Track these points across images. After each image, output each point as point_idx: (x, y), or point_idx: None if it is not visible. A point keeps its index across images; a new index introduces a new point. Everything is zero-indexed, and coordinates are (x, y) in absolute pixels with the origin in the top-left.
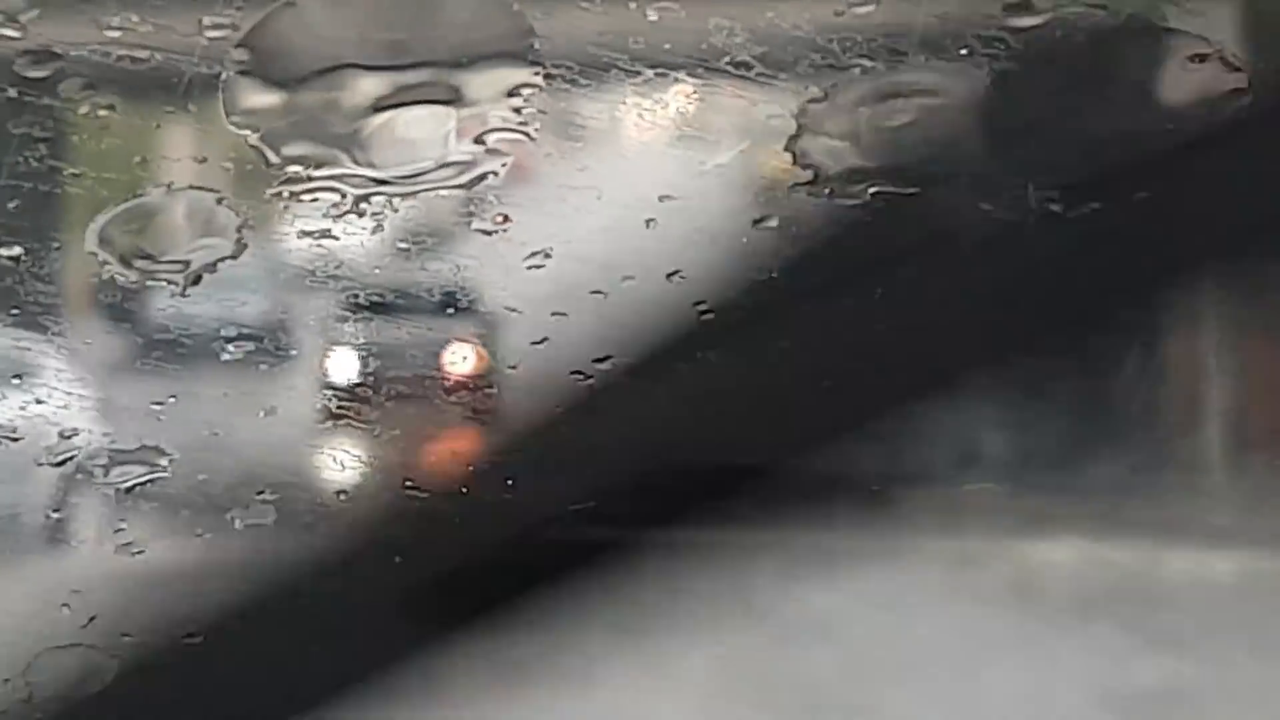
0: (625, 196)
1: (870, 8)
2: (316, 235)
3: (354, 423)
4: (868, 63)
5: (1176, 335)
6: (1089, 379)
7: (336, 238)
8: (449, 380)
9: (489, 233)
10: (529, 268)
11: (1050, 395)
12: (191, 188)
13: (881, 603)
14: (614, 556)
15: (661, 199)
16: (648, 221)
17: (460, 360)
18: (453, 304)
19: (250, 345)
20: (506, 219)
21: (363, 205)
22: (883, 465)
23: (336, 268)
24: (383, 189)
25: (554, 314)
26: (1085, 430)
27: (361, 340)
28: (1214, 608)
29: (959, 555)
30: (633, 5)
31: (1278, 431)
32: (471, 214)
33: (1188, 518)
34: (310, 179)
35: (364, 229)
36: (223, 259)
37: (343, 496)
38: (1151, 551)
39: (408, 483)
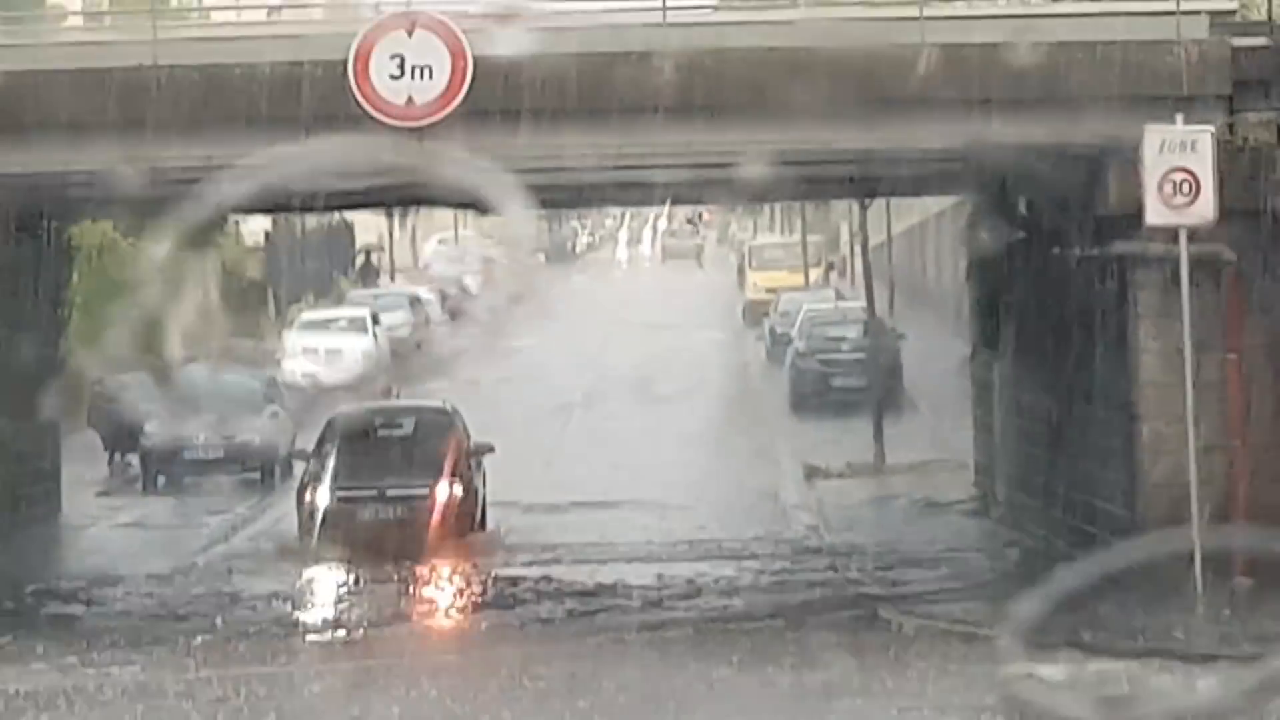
0: (620, 313)
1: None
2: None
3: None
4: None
5: (1157, 455)
6: (1076, 507)
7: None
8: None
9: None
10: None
11: (1038, 523)
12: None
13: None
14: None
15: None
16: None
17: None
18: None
19: (239, 465)
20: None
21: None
22: (881, 593)
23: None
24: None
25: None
26: (1074, 555)
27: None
28: None
29: (951, 675)
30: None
31: (1258, 551)
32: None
33: (1171, 639)
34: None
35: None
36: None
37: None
38: (1137, 670)
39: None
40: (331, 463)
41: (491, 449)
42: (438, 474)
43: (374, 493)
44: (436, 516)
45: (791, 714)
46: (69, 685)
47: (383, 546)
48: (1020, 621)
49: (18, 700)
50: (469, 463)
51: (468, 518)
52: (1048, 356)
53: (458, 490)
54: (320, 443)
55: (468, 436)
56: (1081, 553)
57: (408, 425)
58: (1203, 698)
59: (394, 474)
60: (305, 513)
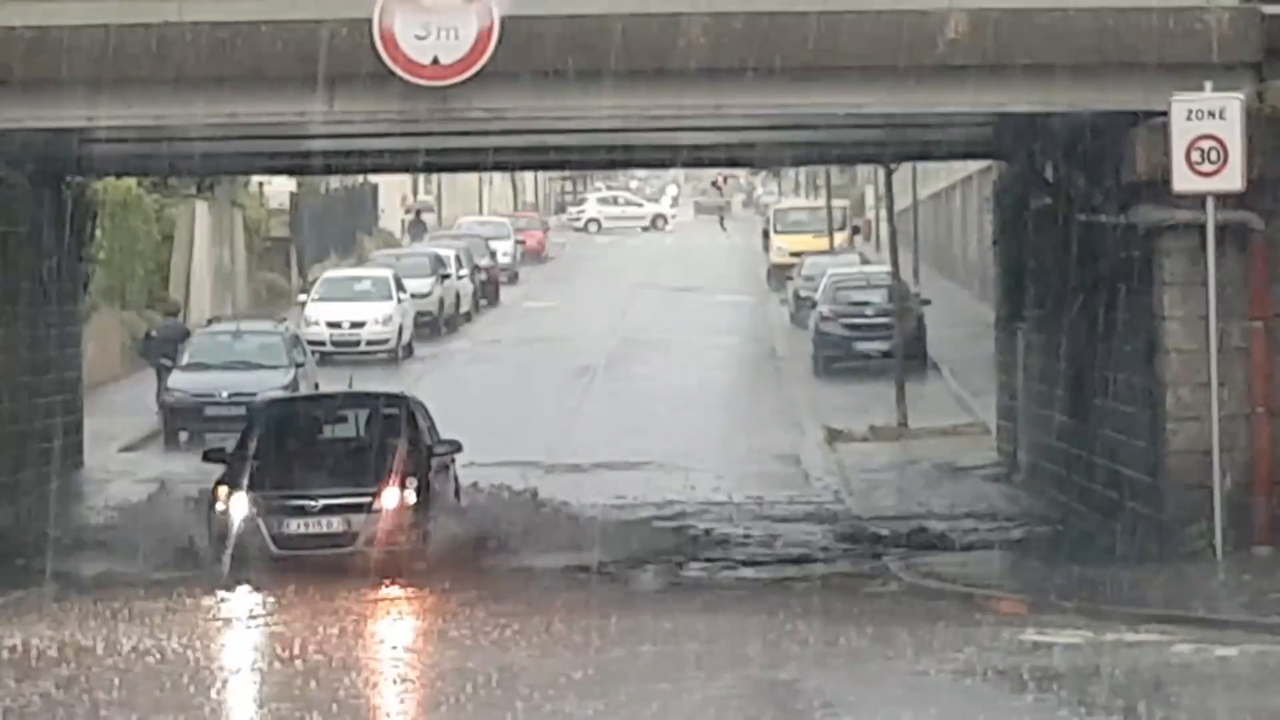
0: (643, 273)
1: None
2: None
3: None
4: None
5: (1180, 421)
6: (1099, 473)
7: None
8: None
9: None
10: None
11: (1060, 488)
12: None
13: (899, 683)
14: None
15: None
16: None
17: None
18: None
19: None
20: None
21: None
22: (899, 556)
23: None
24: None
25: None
26: (1094, 525)
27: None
28: (1217, 688)
29: (973, 640)
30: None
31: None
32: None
33: (1192, 606)
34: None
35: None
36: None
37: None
38: (1157, 637)
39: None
40: (251, 464)
41: (459, 448)
42: (384, 477)
43: (303, 501)
44: (381, 530)
45: (806, 671)
46: (82, 640)
47: (313, 566)
48: (1042, 590)
49: (29, 654)
50: (428, 464)
51: (422, 531)
52: (1073, 322)
53: (409, 498)
54: (243, 439)
55: (431, 433)
56: (1103, 518)
57: (353, 419)
58: None
59: (331, 478)
60: (217, 526)
